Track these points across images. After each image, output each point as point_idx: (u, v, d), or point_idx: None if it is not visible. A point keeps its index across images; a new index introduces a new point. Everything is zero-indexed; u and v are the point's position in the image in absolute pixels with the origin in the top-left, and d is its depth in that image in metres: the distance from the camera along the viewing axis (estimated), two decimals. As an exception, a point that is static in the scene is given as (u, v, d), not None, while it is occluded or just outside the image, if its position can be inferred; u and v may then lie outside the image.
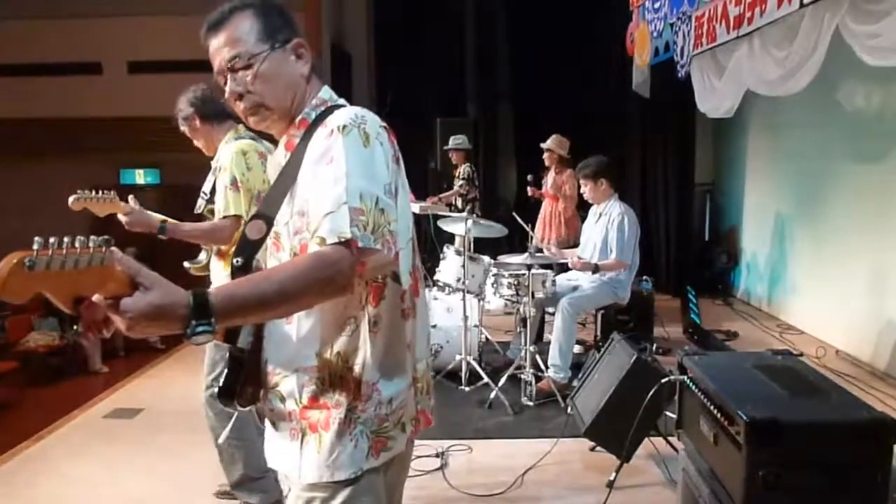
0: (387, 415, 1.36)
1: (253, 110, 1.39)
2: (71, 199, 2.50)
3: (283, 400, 1.38)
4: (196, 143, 2.89)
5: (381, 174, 1.29)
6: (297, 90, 1.41)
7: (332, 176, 1.25)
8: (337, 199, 1.22)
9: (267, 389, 1.41)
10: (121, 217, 2.62)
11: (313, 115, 1.40)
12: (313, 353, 1.35)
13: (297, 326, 1.36)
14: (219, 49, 1.37)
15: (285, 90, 1.39)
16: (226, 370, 1.38)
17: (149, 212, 2.67)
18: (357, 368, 1.34)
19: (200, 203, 2.83)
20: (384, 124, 1.37)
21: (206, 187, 2.82)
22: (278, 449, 1.42)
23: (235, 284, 1.14)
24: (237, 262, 1.32)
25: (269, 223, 1.34)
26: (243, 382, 1.39)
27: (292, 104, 1.41)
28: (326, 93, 1.46)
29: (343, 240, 1.19)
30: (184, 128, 2.83)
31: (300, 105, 1.42)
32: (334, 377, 1.34)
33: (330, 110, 1.39)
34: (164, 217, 2.65)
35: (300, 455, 1.36)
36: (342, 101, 1.47)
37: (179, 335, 1.06)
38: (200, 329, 1.04)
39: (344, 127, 1.29)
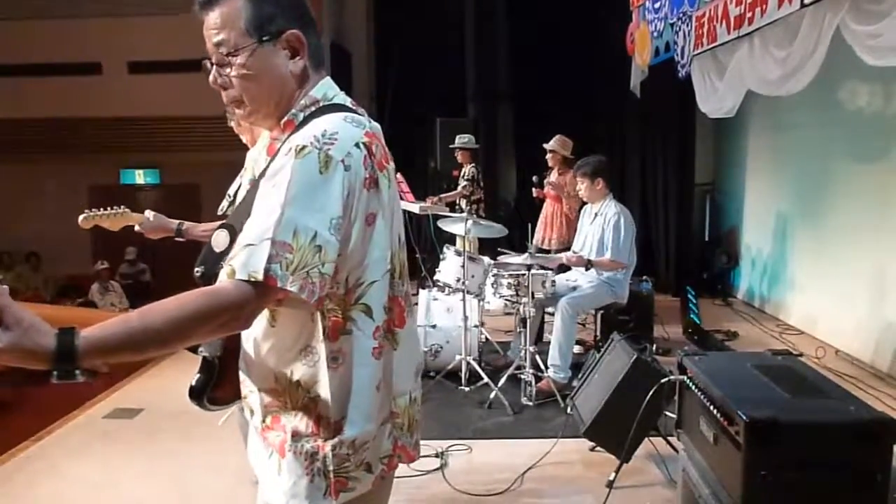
0: (348, 455, 1.27)
1: (236, 104, 1.30)
2: (80, 218, 2.52)
3: (252, 413, 1.36)
4: (242, 138, 2.85)
5: (329, 207, 1.15)
6: (283, 90, 1.28)
7: (270, 203, 1.14)
8: (262, 232, 1.12)
9: (241, 398, 1.39)
10: (137, 228, 2.66)
11: (301, 117, 1.28)
12: (272, 376, 1.30)
13: (254, 347, 1.31)
14: (208, 30, 1.26)
15: (269, 90, 1.27)
16: (197, 372, 1.36)
17: (164, 217, 2.70)
18: (318, 402, 1.26)
19: (224, 204, 2.81)
20: (364, 140, 1.24)
21: (231, 189, 2.79)
22: (254, 452, 1.39)
23: (111, 325, 1.05)
24: (198, 271, 1.26)
25: (234, 234, 1.24)
26: (213, 386, 1.36)
27: (277, 105, 1.29)
28: (321, 90, 1.31)
29: (253, 279, 1.10)
30: (232, 123, 2.79)
31: (288, 105, 1.29)
32: (296, 404, 1.28)
33: (320, 112, 1.27)
34: (179, 220, 2.68)
35: (266, 468, 1.33)
36: (340, 97, 1.33)
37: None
38: (63, 376, 1.01)
39: (302, 148, 1.16)
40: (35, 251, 9.74)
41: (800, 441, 1.87)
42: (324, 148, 1.17)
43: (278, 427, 1.30)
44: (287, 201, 1.13)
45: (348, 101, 1.34)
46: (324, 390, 1.25)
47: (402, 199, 6.48)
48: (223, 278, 1.12)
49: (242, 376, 1.36)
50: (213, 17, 1.25)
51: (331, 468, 1.26)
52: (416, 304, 1.54)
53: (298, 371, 1.27)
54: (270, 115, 1.31)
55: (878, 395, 4.16)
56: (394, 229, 1.32)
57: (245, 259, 1.11)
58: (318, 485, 1.27)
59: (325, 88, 1.32)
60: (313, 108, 1.29)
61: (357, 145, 1.21)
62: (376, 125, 1.37)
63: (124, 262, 9.07)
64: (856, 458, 1.86)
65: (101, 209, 2.56)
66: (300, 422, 1.27)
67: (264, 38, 1.24)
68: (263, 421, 1.33)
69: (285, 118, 1.29)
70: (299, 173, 1.15)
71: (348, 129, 1.23)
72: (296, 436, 1.27)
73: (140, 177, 10.54)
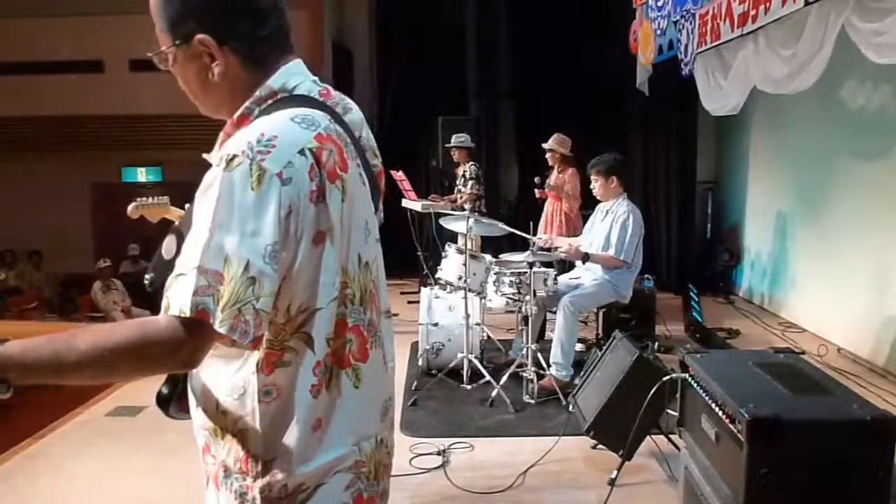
0: (280, 499, 1.13)
1: None
2: (130, 207, 2.52)
3: (198, 430, 1.24)
4: None
5: (264, 231, 0.99)
6: (217, 94, 1.16)
7: (199, 225, 1.00)
8: (191, 259, 0.99)
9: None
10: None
11: (256, 111, 1.14)
12: (202, 398, 1.18)
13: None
14: None
15: (201, 93, 1.17)
16: (164, 378, 1.30)
17: None
18: (246, 436, 1.13)
19: None
20: (312, 145, 1.06)
21: None
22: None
23: (37, 338, 1.00)
24: (147, 279, 1.18)
25: (181, 239, 1.13)
26: (179, 396, 1.28)
27: (217, 107, 1.19)
28: (280, 79, 1.15)
29: (184, 316, 0.97)
30: None
31: (232, 106, 1.16)
32: (224, 433, 1.15)
33: (276, 106, 1.13)
34: None
35: (206, 496, 1.25)
36: (304, 86, 1.17)
37: None
38: None
39: (232, 158, 1.01)
40: (37, 249, 9.75)
41: (802, 439, 1.87)
42: (256, 158, 1.00)
43: (210, 455, 1.20)
44: (214, 224, 0.99)
45: (315, 91, 1.18)
46: (252, 425, 1.12)
47: (404, 197, 6.51)
48: (162, 311, 1.01)
49: (190, 387, 1.23)
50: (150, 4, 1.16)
51: None
52: (392, 333, 1.31)
53: (224, 402, 1.14)
54: (217, 114, 1.20)
55: (881, 392, 4.15)
56: (351, 249, 1.15)
57: (175, 292, 0.99)
58: None
59: (286, 77, 1.16)
60: (270, 102, 1.14)
61: (302, 152, 1.04)
62: (356, 116, 1.25)
63: (127, 260, 9.07)
64: (858, 456, 1.86)
65: (149, 198, 2.57)
66: (228, 456, 1.15)
67: (177, 42, 1.13)
68: (200, 443, 1.23)
69: (239, 112, 1.15)
70: (227, 190, 1.00)
71: (293, 131, 1.07)
72: (227, 471, 1.17)
73: (142, 174, 10.55)
